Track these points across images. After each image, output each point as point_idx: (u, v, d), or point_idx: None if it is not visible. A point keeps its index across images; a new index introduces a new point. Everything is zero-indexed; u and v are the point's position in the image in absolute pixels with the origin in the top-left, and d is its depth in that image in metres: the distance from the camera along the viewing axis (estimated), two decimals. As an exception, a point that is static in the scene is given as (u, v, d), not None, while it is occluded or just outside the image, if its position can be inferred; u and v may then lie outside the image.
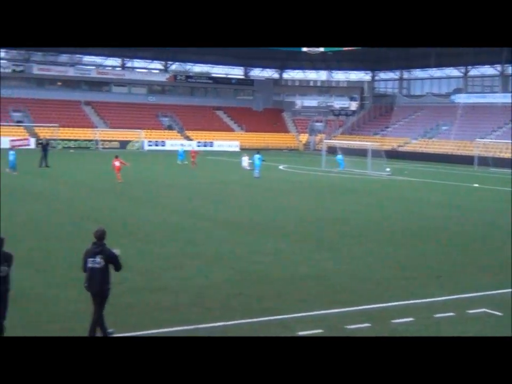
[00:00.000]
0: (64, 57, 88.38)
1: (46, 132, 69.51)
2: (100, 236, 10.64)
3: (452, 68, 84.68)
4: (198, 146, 74.49)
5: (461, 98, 78.46)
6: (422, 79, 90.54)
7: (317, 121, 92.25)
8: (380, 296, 13.96)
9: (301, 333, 11.26)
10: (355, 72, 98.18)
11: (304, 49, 77.08)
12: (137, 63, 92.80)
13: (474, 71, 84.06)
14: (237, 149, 78.47)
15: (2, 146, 55.90)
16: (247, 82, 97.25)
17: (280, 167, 53.66)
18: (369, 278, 15.59)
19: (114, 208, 26.21)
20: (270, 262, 17.15)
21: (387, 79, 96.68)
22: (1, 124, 70.43)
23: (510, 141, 62.81)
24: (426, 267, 17.00)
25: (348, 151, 58.23)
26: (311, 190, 36.49)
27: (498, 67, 79.93)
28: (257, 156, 43.42)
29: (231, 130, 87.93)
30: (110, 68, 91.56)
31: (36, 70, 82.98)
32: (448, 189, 38.97)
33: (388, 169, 48.89)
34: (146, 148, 76.30)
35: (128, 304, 12.76)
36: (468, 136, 69.06)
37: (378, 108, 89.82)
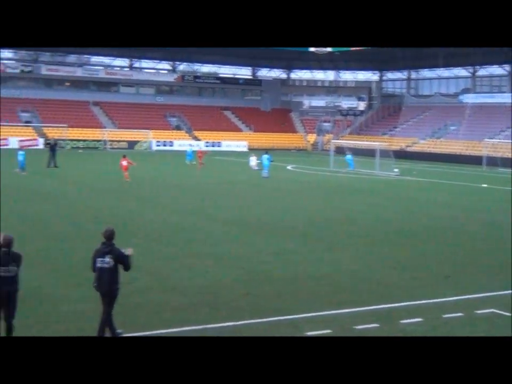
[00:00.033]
0: (72, 58, 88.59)
1: (54, 132, 69.66)
2: (109, 236, 10.67)
3: (460, 67, 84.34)
4: (206, 146, 74.56)
5: (469, 98, 78.19)
6: (430, 79, 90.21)
7: (325, 121, 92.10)
8: (389, 296, 13.94)
9: (310, 333, 11.25)
10: (363, 72, 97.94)
11: (312, 49, 76.93)
12: (145, 63, 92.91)
13: (482, 71, 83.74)
14: (245, 149, 78.41)
15: (11, 147, 56.11)
16: (255, 82, 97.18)
17: (288, 167, 53.61)
18: (376, 278, 15.57)
19: (123, 208, 26.23)
20: (279, 262, 17.15)
21: (395, 79, 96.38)
22: (10, 124, 70.72)
23: (519, 141, 62.63)
24: (434, 267, 16.98)
25: (356, 151, 58.03)
26: (319, 190, 36.47)
27: (507, 67, 79.60)
28: (265, 156, 43.41)
29: (239, 130, 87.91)
30: (118, 68, 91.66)
31: (44, 70, 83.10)
32: (457, 189, 38.86)
33: (396, 169, 48.75)
34: (155, 148, 76.35)
35: (137, 304, 12.79)
36: (476, 136, 68.82)
37: (386, 108, 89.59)
